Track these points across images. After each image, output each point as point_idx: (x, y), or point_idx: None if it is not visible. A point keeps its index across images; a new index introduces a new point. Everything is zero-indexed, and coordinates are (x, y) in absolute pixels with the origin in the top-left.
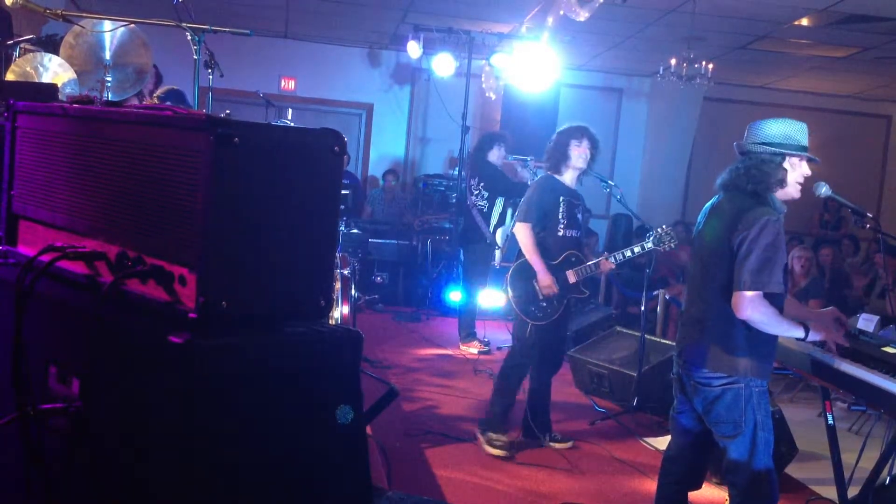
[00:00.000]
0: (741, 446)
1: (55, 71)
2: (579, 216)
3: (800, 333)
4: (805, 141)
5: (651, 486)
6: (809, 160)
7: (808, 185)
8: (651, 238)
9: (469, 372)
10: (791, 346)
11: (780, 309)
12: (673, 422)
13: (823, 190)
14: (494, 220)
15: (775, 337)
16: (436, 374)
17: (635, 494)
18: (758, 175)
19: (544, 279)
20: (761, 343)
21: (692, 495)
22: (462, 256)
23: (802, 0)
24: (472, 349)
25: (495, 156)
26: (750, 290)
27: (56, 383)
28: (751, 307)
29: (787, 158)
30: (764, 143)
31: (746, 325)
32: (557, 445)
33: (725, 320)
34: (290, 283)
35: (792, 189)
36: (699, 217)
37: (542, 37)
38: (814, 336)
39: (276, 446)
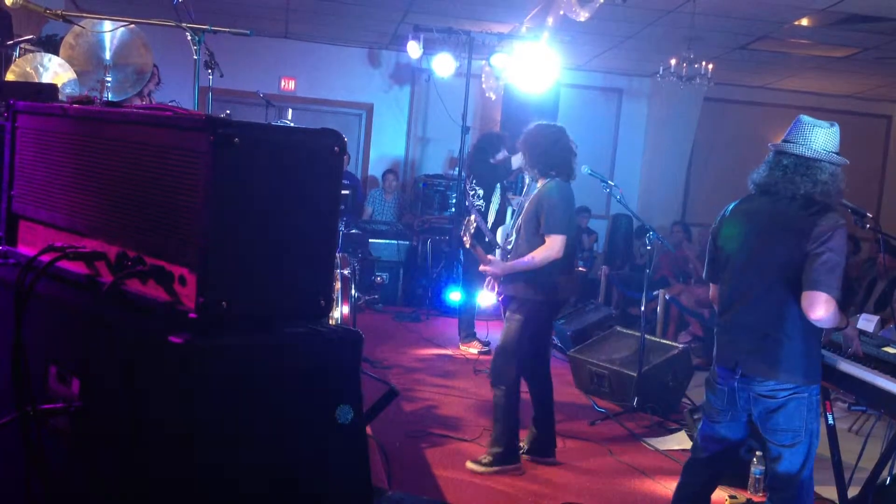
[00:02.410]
0: (797, 455)
1: (55, 71)
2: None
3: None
4: None
5: (651, 485)
6: None
7: None
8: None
9: (469, 372)
10: None
11: None
12: (708, 429)
13: None
14: (492, 218)
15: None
16: (436, 374)
17: (635, 494)
18: (833, 188)
19: None
20: (818, 348)
21: None
22: (462, 256)
23: (802, 0)
24: (472, 349)
25: (502, 157)
26: (824, 291)
27: (56, 383)
28: (825, 307)
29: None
30: (835, 153)
31: (808, 332)
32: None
33: (797, 330)
34: (290, 283)
35: None
36: (731, 216)
37: (542, 37)
38: (847, 330)
39: (276, 446)
